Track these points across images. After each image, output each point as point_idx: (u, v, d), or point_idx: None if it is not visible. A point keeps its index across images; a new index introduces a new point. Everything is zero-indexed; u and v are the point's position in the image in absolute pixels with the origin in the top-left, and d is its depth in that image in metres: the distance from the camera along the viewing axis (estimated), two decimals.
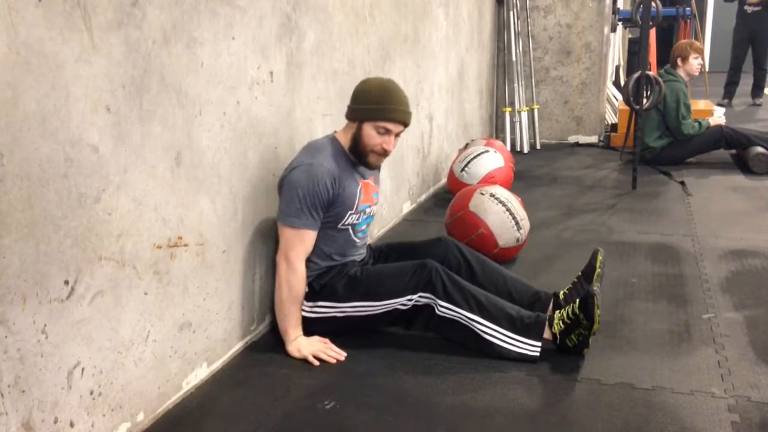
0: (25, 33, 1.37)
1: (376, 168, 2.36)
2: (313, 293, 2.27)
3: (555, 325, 2.15)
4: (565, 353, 2.16)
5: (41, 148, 1.42)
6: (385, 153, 2.25)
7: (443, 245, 2.46)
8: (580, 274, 2.42)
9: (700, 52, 5.00)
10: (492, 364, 2.12)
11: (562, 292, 2.39)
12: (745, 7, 7.50)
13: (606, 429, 1.77)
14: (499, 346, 2.14)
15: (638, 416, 1.82)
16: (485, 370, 2.09)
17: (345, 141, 2.30)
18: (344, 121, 2.33)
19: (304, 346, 2.19)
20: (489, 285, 2.36)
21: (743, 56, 7.84)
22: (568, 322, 2.13)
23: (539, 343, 2.14)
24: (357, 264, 2.38)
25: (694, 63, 4.97)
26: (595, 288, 2.12)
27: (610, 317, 2.44)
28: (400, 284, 2.20)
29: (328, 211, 2.23)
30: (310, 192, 2.15)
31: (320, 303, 2.26)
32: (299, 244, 2.19)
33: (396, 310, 2.22)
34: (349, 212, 2.29)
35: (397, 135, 2.25)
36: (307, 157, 2.21)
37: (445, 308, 2.17)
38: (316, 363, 2.14)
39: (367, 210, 2.38)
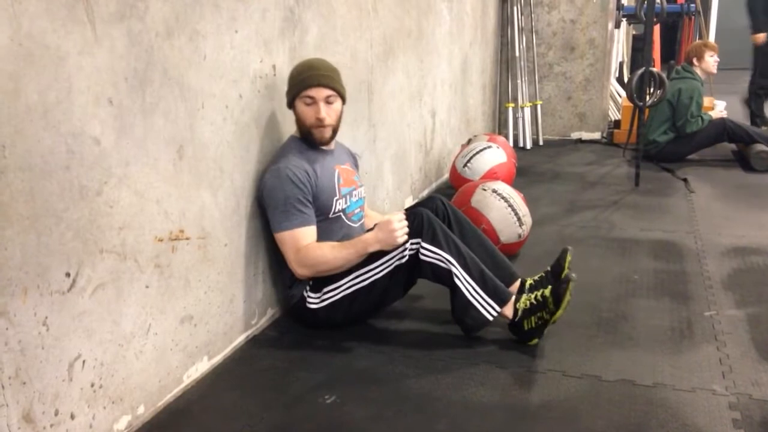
0: (28, 24, 1.36)
1: (326, 143, 2.34)
2: (316, 284, 2.27)
3: (521, 303, 2.18)
4: (516, 336, 2.21)
5: (43, 140, 1.42)
6: (321, 123, 2.26)
7: (431, 202, 2.47)
8: (548, 269, 2.44)
9: (716, 50, 5.00)
10: (493, 359, 2.12)
11: (529, 282, 2.42)
12: None
13: (607, 425, 1.77)
14: (464, 294, 2.17)
15: (639, 413, 1.82)
16: (486, 365, 2.08)
17: (299, 133, 2.34)
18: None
19: (381, 234, 2.15)
20: (466, 239, 2.39)
21: None
22: (535, 303, 2.17)
23: (499, 309, 2.17)
24: None
25: (710, 61, 4.99)
26: (573, 275, 2.15)
27: (612, 314, 2.44)
28: None
29: (314, 203, 2.24)
30: (287, 192, 2.17)
31: (325, 289, 2.26)
32: (300, 242, 2.19)
33: (398, 267, 2.21)
34: (335, 198, 2.31)
35: (328, 102, 2.26)
36: (273, 163, 2.25)
37: (427, 250, 2.18)
38: (403, 238, 2.15)
39: (354, 193, 2.42)
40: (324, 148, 2.35)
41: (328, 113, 2.26)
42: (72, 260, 1.52)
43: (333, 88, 2.26)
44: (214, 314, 2.09)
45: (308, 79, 2.23)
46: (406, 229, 2.16)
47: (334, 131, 2.34)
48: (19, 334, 1.40)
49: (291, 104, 2.30)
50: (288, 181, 2.18)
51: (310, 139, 2.30)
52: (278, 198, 2.18)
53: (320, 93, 2.24)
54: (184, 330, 1.95)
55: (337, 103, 2.31)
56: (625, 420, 1.79)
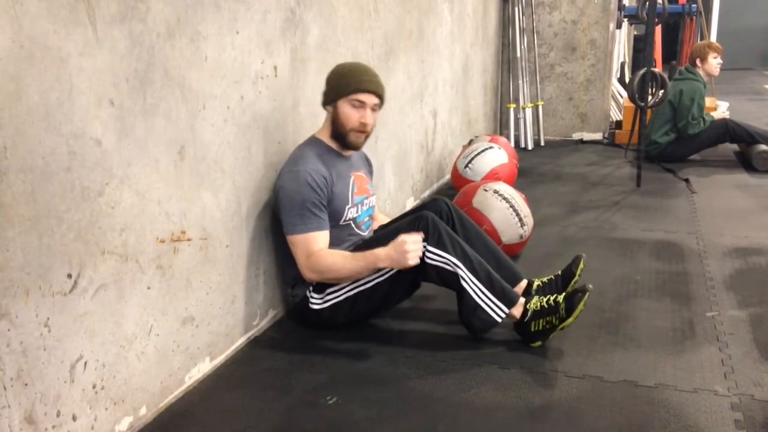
0: (29, 26, 1.36)
1: (357, 149, 2.36)
2: (319, 285, 2.27)
3: (532, 304, 2.18)
4: (520, 336, 2.21)
5: (45, 141, 1.42)
6: (363, 128, 2.26)
7: (435, 204, 2.47)
8: (559, 273, 2.45)
9: (719, 51, 4.99)
10: (495, 360, 2.12)
11: (537, 283, 2.42)
12: None
13: (608, 426, 1.77)
14: (471, 296, 2.16)
15: (641, 413, 1.82)
16: (488, 366, 2.08)
17: (326, 135, 2.32)
18: None
19: (393, 252, 2.10)
20: (470, 240, 2.38)
21: None
22: (546, 306, 2.16)
23: (507, 310, 2.17)
24: None
25: (714, 62, 4.97)
26: (590, 285, 2.14)
27: (614, 314, 2.44)
28: None
29: (327, 208, 2.23)
30: (304, 195, 2.16)
31: (328, 290, 2.26)
32: (314, 246, 2.18)
33: (402, 271, 2.19)
34: (347, 206, 2.30)
35: (374, 109, 2.27)
36: (292, 164, 2.24)
37: (433, 254, 2.17)
38: (415, 261, 2.10)
39: (365, 202, 2.41)
40: (344, 154, 2.35)
41: (371, 120, 2.27)
42: (73, 261, 1.52)
43: (382, 99, 2.28)
44: (216, 315, 2.09)
45: (363, 83, 2.22)
46: (420, 252, 2.13)
47: (366, 139, 2.34)
48: (20, 335, 1.40)
49: (331, 102, 2.27)
50: (306, 185, 2.17)
51: (343, 142, 2.29)
52: (295, 200, 2.17)
53: (371, 99, 2.24)
54: (185, 331, 1.95)
55: (377, 113, 2.32)
56: (627, 420, 1.79)
